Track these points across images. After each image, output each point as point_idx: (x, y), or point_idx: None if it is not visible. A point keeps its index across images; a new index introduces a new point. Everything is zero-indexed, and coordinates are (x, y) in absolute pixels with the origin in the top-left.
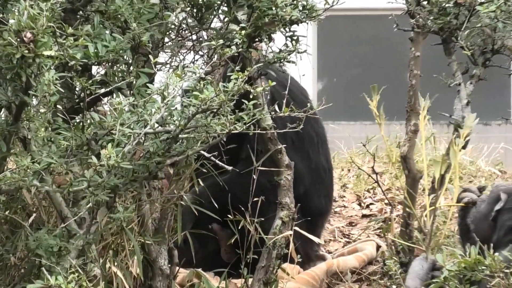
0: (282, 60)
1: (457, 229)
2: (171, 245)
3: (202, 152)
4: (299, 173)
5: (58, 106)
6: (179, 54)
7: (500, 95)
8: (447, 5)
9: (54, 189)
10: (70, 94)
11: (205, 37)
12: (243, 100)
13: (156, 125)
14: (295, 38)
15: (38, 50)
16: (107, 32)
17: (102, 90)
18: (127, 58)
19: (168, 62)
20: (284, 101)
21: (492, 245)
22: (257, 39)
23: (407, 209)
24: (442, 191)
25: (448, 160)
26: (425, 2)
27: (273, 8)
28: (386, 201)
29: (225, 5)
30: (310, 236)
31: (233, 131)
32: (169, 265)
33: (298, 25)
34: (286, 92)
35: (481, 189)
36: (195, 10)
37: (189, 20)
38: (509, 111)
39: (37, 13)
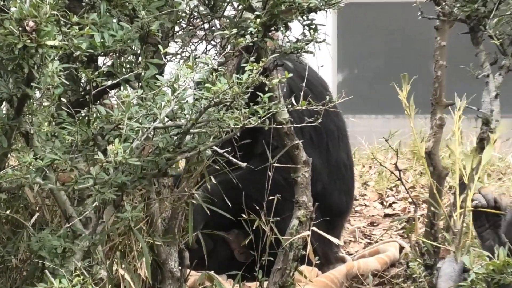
0: (299, 50)
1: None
2: (181, 246)
3: (214, 147)
4: (318, 170)
5: (62, 99)
6: (191, 44)
7: None
8: None
9: (58, 187)
10: (75, 86)
11: (218, 26)
12: (258, 93)
13: (166, 119)
14: (313, 26)
15: (41, 39)
16: (114, 20)
17: (109, 82)
18: (135, 48)
19: (178, 52)
20: (302, 94)
21: None
22: (273, 28)
23: (432, 208)
24: (473, 189)
25: (478, 156)
26: None
27: None
28: (409, 199)
29: None
30: (329, 236)
31: (247, 126)
32: (180, 268)
33: (316, 13)
34: (304, 84)
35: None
36: None
37: (201, 8)
38: None
39: (40, 1)
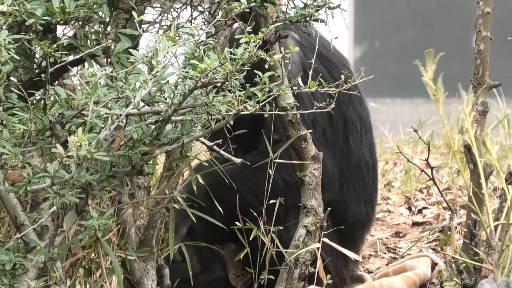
0: (307, 19)
1: None
2: (161, 261)
3: (201, 140)
4: (329, 175)
5: (11, 78)
6: (172, 10)
7: None
8: None
9: (6, 188)
10: (28, 62)
11: None
12: (256, 72)
13: (142, 104)
14: None
15: None
16: None
17: (70, 58)
18: (103, 16)
19: (157, 20)
20: (311, 72)
21: None
22: None
23: (473, 215)
24: None
25: None
26: None
27: None
28: (444, 204)
29: None
30: (344, 250)
31: (242, 112)
32: None
33: None
34: (319, 60)
35: None
36: None
37: None
38: None
39: None
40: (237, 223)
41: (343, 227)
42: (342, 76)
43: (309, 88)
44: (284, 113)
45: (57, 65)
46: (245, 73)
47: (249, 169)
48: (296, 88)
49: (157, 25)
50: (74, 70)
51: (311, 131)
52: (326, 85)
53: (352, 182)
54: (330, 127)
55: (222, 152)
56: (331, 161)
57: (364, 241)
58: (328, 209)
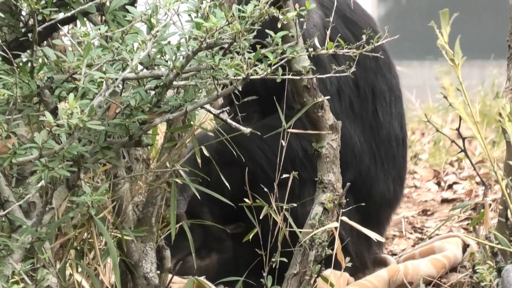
0: None
1: None
2: (161, 242)
3: (206, 107)
4: (358, 151)
5: None
6: None
7: None
8: None
9: None
10: (14, 20)
11: None
12: (267, 32)
13: (140, 67)
14: None
15: None
16: None
17: (61, 15)
18: None
19: None
20: (328, 32)
21: None
22: None
23: (509, 191)
24: None
25: None
26: None
27: None
28: (477, 179)
29: None
30: (365, 230)
31: (252, 77)
32: (158, 272)
33: None
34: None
35: None
36: None
37: None
38: None
39: None
40: (246, 200)
41: (368, 206)
42: (364, 37)
43: (327, 49)
44: (298, 77)
45: (46, 24)
46: (255, 33)
47: (260, 140)
48: (312, 50)
49: None
50: (65, 29)
51: (327, 97)
52: (346, 46)
53: (380, 158)
54: (358, 98)
55: (229, 121)
56: (359, 135)
57: (390, 222)
58: (347, 184)
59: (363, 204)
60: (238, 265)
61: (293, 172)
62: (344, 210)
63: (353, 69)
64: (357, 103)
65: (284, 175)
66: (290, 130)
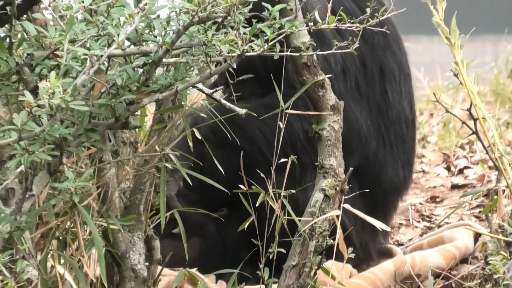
0: None
1: None
2: (150, 232)
3: (199, 86)
4: (364, 134)
5: None
6: None
7: None
8: None
9: None
10: None
11: None
12: (264, 5)
13: (127, 43)
14: None
15: None
16: None
17: None
18: None
19: None
20: (330, 5)
21: None
22: None
23: None
24: None
25: None
26: None
27: None
28: (490, 163)
29: None
30: (369, 218)
31: (247, 53)
32: (147, 263)
33: None
34: None
35: None
36: None
37: None
38: None
39: None
40: (241, 186)
41: (375, 192)
42: (368, 10)
43: (328, 24)
44: (297, 54)
45: None
46: (250, 6)
47: (256, 122)
48: (312, 24)
49: None
50: (46, 1)
51: (329, 76)
52: (349, 20)
53: (389, 141)
54: (365, 77)
55: (223, 101)
56: (365, 117)
57: (397, 209)
58: (350, 169)
59: (368, 190)
60: (223, 251)
61: (294, 156)
62: (348, 197)
63: (356, 44)
64: (363, 83)
65: (283, 159)
66: (289, 111)
